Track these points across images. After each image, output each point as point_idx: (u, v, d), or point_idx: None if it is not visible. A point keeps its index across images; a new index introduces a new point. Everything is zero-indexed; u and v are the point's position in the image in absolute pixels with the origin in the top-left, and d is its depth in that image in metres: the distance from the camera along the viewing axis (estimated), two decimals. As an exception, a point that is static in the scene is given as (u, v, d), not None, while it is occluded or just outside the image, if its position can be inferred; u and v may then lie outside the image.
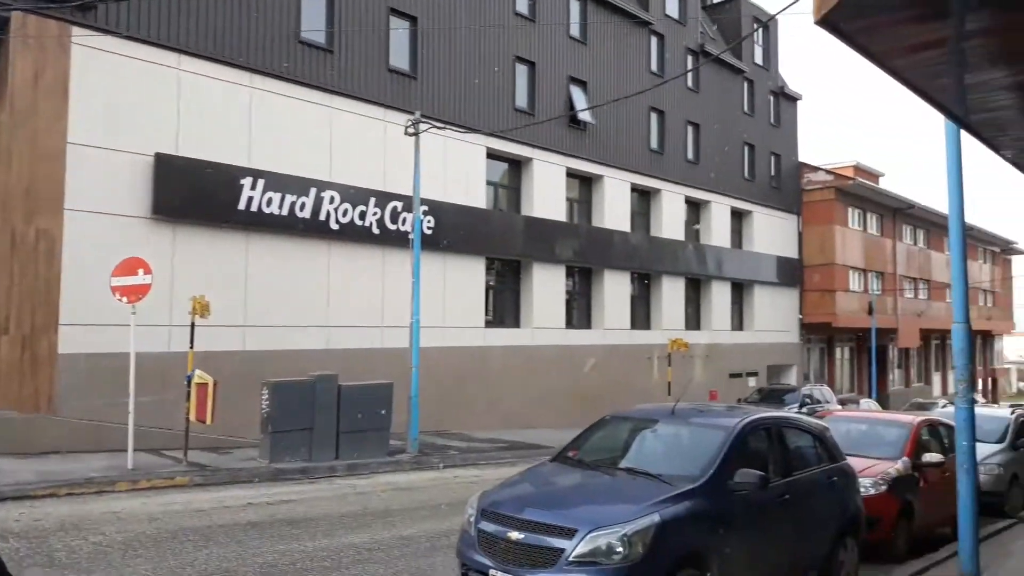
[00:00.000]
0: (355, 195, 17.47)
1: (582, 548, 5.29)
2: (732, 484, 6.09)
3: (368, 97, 18.01)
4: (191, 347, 12.13)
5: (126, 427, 11.24)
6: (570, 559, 5.29)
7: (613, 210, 24.96)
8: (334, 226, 17.07)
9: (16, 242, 13.11)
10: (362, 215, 17.63)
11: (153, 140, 14.22)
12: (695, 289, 29.07)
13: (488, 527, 5.81)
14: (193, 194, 14.62)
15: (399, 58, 19.00)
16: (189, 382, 11.75)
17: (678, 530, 5.54)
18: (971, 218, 46.71)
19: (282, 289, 16.06)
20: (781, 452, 7.00)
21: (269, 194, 15.85)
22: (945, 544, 8.95)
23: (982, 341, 50.69)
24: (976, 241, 46.59)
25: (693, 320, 28.73)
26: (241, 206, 15.40)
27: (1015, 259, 54.84)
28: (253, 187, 15.59)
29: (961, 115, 6.08)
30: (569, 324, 23.69)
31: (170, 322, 13.85)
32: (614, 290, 25.00)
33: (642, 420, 7.43)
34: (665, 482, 6.01)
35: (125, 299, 11.41)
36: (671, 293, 27.35)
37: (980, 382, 49.55)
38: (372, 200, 17.83)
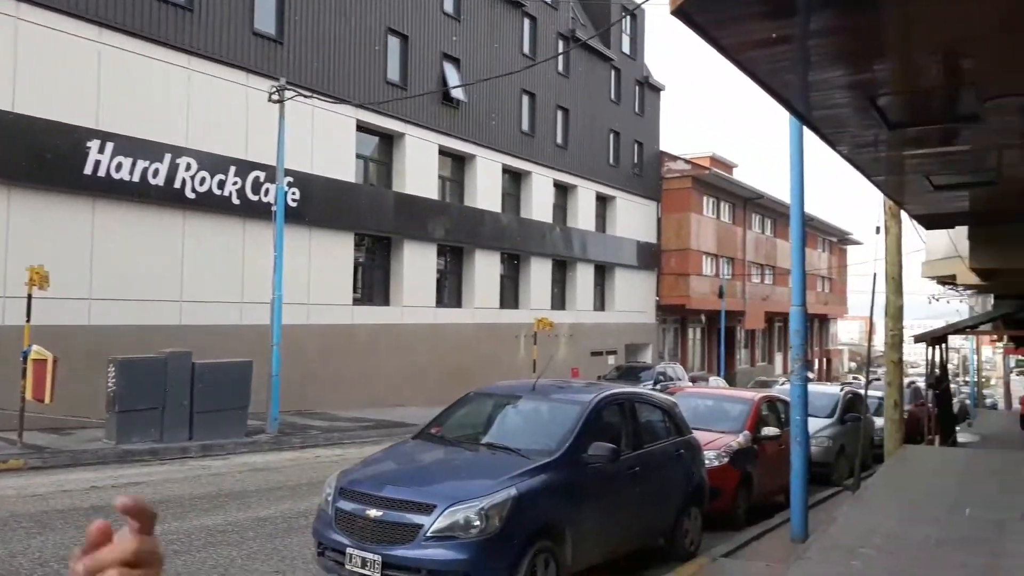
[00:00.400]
0: (214, 163, 16.66)
1: (440, 523, 5.37)
2: (586, 457, 6.35)
3: (230, 60, 17.18)
4: (27, 321, 11.22)
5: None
6: (428, 534, 5.36)
7: (485, 190, 25.12)
8: (190, 195, 16.23)
9: None
10: (221, 184, 16.85)
11: (-16, 94, 12.99)
12: (561, 270, 29.81)
13: (346, 505, 5.78)
14: (32, 155, 13.48)
15: (264, 21, 18.21)
16: (25, 358, 10.88)
17: (534, 503, 5.73)
18: (812, 210, 50.38)
19: (133, 261, 15.13)
20: (633, 426, 7.36)
21: (119, 159, 14.85)
22: (779, 511, 9.70)
23: (819, 324, 54.95)
24: (816, 231, 50.28)
25: (559, 300, 29.48)
26: (87, 170, 14.35)
27: (850, 249, 59.69)
28: (101, 150, 14.56)
29: (804, 111, 6.54)
30: (440, 303, 23.71)
31: (3, 293, 12.77)
32: (484, 270, 25.23)
33: (504, 396, 7.59)
34: (523, 456, 6.19)
35: (-52, 267, 10.39)
36: (539, 274, 27.93)
37: (816, 362, 53.74)
38: (232, 169, 17.07)
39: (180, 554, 6.58)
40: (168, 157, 15.77)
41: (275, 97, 15.46)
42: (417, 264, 22.51)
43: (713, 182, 37.63)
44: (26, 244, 13.17)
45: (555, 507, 5.94)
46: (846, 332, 79.09)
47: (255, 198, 17.48)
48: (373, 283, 22.00)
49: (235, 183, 17.13)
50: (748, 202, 41.58)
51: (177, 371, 12.52)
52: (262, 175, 17.46)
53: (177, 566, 6.24)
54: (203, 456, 11.97)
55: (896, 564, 6.19)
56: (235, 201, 17.15)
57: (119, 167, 14.85)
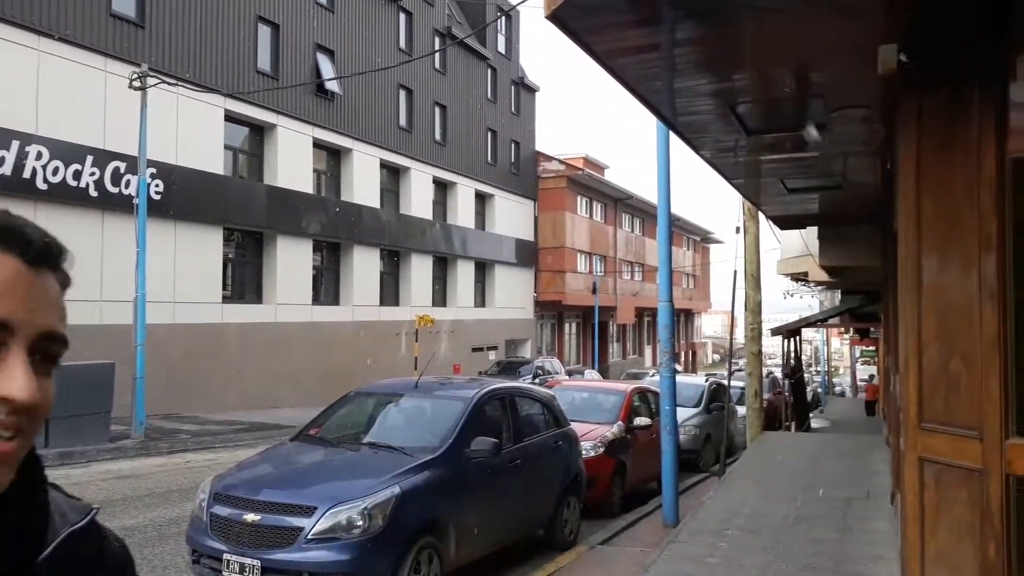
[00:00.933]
0: (68, 152, 15.59)
1: (321, 525, 5.31)
2: (469, 452, 6.43)
3: (85, 43, 16.11)
4: None
5: None
6: (309, 536, 5.28)
7: (363, 185, 24.74)
8: (42, 185, 15.12)
9: None
10: (77, 175, 15.79)
11: None
12: (442, 267, 29.81)
13: (222, 511, 5.60)
14: None
15: (123, 2, 17.18)
16: None
17: (417, 499, 5.75)
18: (678, 210, 52.70)
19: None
20: (514, 420, 7.51)
21: (-43, 145, 13.62)
22: (653, 498, 10.14)
23: (684, 318, 57.59)
24: (681, 230, 52.64)
25: (440, 297, 29.48)
26: (-82, 157, 13.09)
27: (713, 247, 62.91)
28: (-65, 135, 13.31)
29: (670, 116, 6.87)
30: (316, 300, 23.16)
31: None
32: (363, 266, 24.86)
33: (386, 395, 7.57)
34: (406, 454, 6.20)
35: None
36: (419, 270, 27.81)
37: (683, 354, 56.32)
38: (89, 159, 16.03)
39: (37, 571, 6.15)
40: (16, 144, 14.62)
41: (136, 84, 14.63)
42: (291, 260, 21.89)
43: (586, 182, 38.69)
44: None
45: (439, 503, 5.99)
46: (710, 326, 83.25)
47: (115, 190, 16.49)
48: (244, 280, 21.22)
49: (92, 174, 16.09)
50: (619, 202, 43.02)
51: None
52: (122, 166, 16.48)
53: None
54: (61, 464, 11.18)
55: (759, 542, 6.65)
56: (93, 193, 16.12)
57: (-43, 154, 13.63)
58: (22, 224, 0.77)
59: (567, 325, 40.61)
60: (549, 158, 37.69)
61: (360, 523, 5.34)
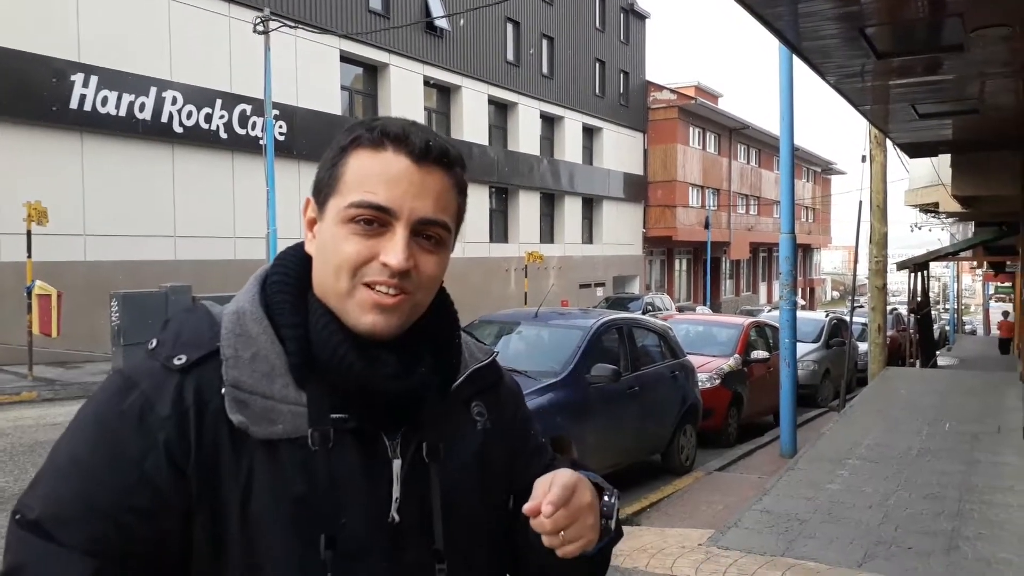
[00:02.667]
0: (200, 96, 16.47)
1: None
2: (589, 377, 6.67)
3: (212, -10, 16.81)
4: (28, 256, 11.29)
5: (-45, 342, 10.45)
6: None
7: (472, 122, 24.96)
8: (178, 129, 16.10)
9: None
10: (208, 118, 16.70)
11: (-35, 26, 12.71)
12: (549, 203, 29.88)
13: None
14: (16, 89, 13.27)
15: (245, -51, 17.73)
16: (29, 293, 10.99)
17: (542, 418, 6.04)
18: (797, 140, 50.35)
19: (125, 196, 15.09)
20: (631, 349, 7.67)
21: (104, 92, 14.65)
22: (769, 431, 10.16)
23: (803, 254, 55.54)
24: (801, 161, 50.35)
25: (547, 234, 29.65)
26: (73, 105, 14.18)
27: (834, 179, 59.97)
28: (86, 84, 14.35)
29: (794, 41, 6.67)
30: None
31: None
32: (474, 203, 25.14)
33: (507, 323, 7.87)
34: (530, 377, 6.49)
35: (-54, 204, 10.39)
36: (527, 207, 28.00)
37: (801, 291, 54.61)
38: (219, 102, 16.89)
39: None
40: (154, 91, 15.58)
41: (260, 28, 15.24)
42: (406, 198, 22.45)
43: (699, 112, 37.47)
44: (16, 180, 13.10)
45: (561, 423, 6.27)
46: (829, 262, 80.00)
47: (242, 132, 17.36)
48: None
49: (222, 116, 16.98)
50: (734, 132, 41.53)
51: (178, 305, 12.67)
52: (248, 108, 17.30)
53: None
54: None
55: (880, 471, 6.62)
56: (223, 135, 17.03)
57: (105, 101, 14.67)
58: (411, 130, 0.97)
59: (677, 261, 40.02)
60: (659, 88, 36.66)
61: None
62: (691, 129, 37.70)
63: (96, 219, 14.61)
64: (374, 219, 0.94)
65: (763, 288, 49.04)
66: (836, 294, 75.31)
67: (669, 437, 7.92)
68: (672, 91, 36.66)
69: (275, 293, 0.99)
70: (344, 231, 0.95)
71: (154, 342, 0.97)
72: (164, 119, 15.80)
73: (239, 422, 0.91)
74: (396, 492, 0.97)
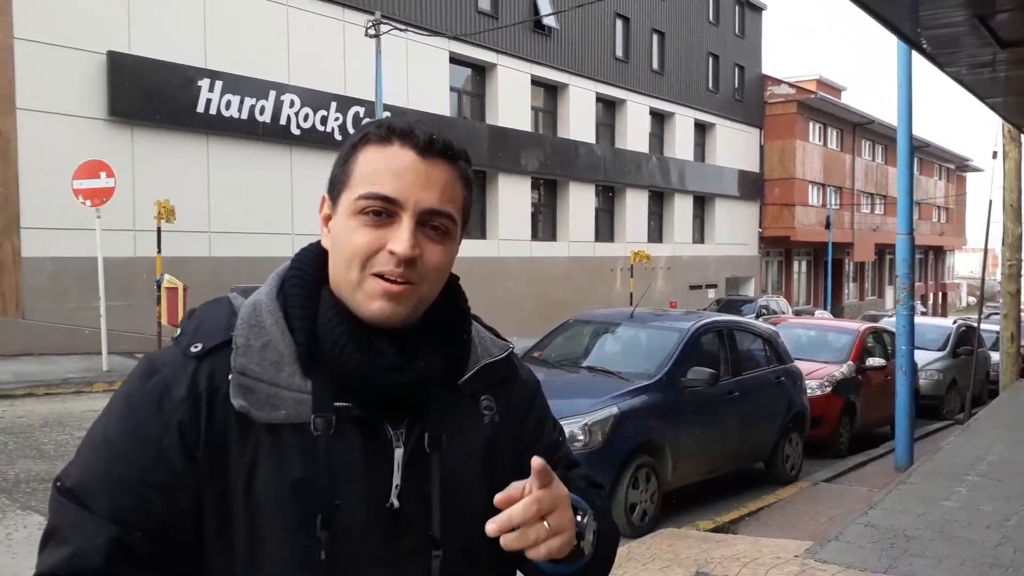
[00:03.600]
0: (316, 99, 17.15)
1: (545, 438, 5.65)
2: (685, 380, 6.49)
3: (327, -4, 17.47)
4: (159, 251, 12.11)
5: (97, 330, 11.32)
6: (534, 447, 5.66)
7: (578, 120, 24.86)
8: (295, 131, 16.83)
9: (-32, 143, 12.77)
10: (323, 120, 17.37)
11: (105, 37, 13.72)
12: (658, 202, 29.37)
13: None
14: (149, 95, 14.24)
15: (359, -45, 18.34)
16: (159, 286, 11.79)
17: (634, 421, 5.94)
18: (929, 135, 47.38)
19: (246, 195, 15.92)
20: (732, 353, 7.42)
21: (228, 96, 15.50)
22: (885, 442, 9.59)
23: (934, 256, 52.31)
24: (932, 158, 47.42)
25: (656, 233, 29.15)
26: (200, 108, 15.08)
27: (969, 176, 56.05)
28: (211, 89, 15.23)
29: (910, 35, 6.25)
30: (535, 236, 23.89)
31: (133, 227, 13.72)
32: (579, 202, 25.17)
33: (603, 323, 7.78)
34: (623, 378, 6.39)
35: (88, 202, 11.27)
36: (635, 206, 27.63)
37: (931, 296, 51.40)
38: (333, 104, 17.54)
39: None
40: (273, 94, 16.34)
41: (371, 31, 15.72)
42: (511, 197, 22.67)
43: (820, 107, 35.85)
44: (149, 180, 14.03)
45: (655, 426, 6.14)
46: (965, 265, 74.67)
47: (356, 133, 17.93)
48: (469, 216, 22.29)
49: (336, 118, 17.62)
50: (857, 127, 39.50)
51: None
52: (361, 110, 17.87)
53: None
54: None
55: (1002, 489, 6.13)
56: (337, 136, 17.66)
57: (228, 104, 15.51)
58: (416, 125, 1.02)
59: (796, 263, 38.44)
60: (777, 82, 35.31)
61: (581, 437, 5.63)
62: (811, 124, 36.14)
63: (220, 217, 15.48)
64: (382, 210, 0.99)
65: (890, 292, 46.40)
66: (972, 300, 70.36)
67: (772, 445, 7.61)
68: (791, 85, 35.25)
69: (290, 287, 1.05)
70: (354, 223, 1.00)
71: (179, 331, 1.05)
72: (283, 121, 16.56)
73: (240, 406, 0.96)
74: (396, 479, 1.00)
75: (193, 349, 1.00)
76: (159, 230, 12.12)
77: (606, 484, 5.64)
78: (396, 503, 1.00)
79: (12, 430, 7.88)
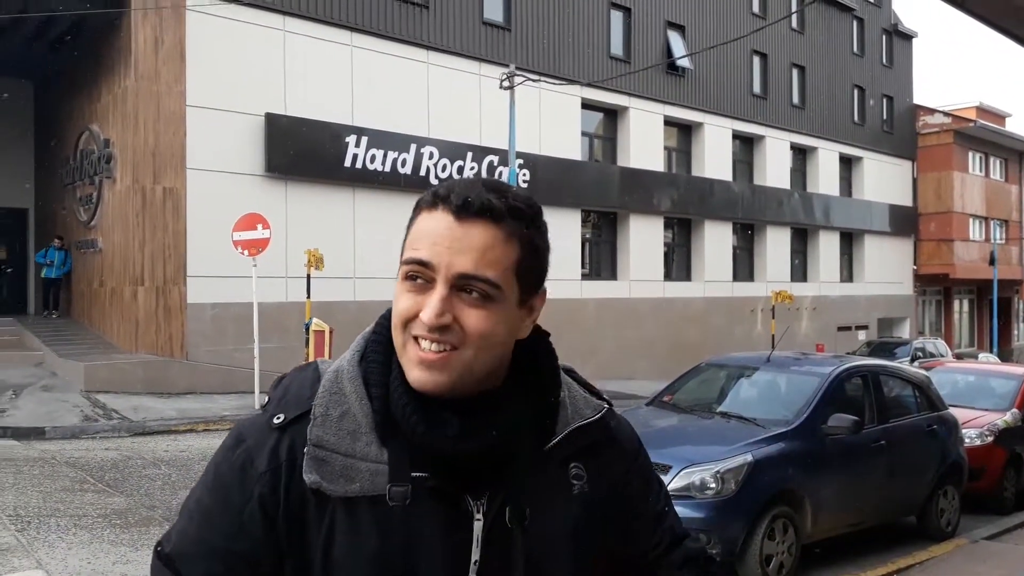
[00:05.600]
0: (453, 150, 17.84)
1: (676, 483, 5.53)
2: (826, 428, 6.18)
3: (463, 51, 18.23)
4: (308, 297, 12.91)
5: (251, 370, 12.17)
6: (663, 493, 5.54)
7: (714, 158, 24.44)
8: (434, 181, 17.50)
9: (146, 201, 14.20)
10: (460, 170, 18.01)
11: (263, 101, 14.93)
12: (801, 239, 28.21)
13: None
14: (302, 152, 15.33)
15: (493, 10, 19.08)
16: (307, 329, 12.55)
17: (770, 469, 5.71)
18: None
19: (388, 243, 16.62)
20: (878, 399, 7.00)
21: (372, 151, 16.42)
22: (1060, 497, 8.69)
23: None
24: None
25: (799, 271, 27.97)
26: (347, 163, 16.05)
27: None
28: (357, 144, 16.20)
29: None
30: (668, 276, 23.53)
31: (286, 274, 14.71)
32: (715, 241, 24.61)
33: (737, 367, 7.55)
34: (758, 425, 6.17)
35: (246, 252, 12.25)
36: (775, 244, 26.67)
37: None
38: (469, 155, 18.17)
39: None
40: (413, 147, 17.16)
41: (505, 83, 16.26)
42: (643, 238, 22.48)
43: (979, 135, 33.46)
44: (300, 230, 15.04)
45: (793, 475, 5.88)
46: None
47: (491, 180, 18.46)
48: (600, 258, 22.34)
49: (472, 168, 18.23)
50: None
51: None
52: (495, 159, 18.42)
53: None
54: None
55: None
56: (473, 184, 18.24)
57: (373, 158, 16.43)
58: (458, 187, 1.00)
59: (957, 302, 35.69)
60: (931, 111, 33.33)
61: (713, 485, 5.47)
62: (970, 154, 33.78)
63: (363, 263, 16.31)
64: (418, 274, 0.98)
65: (1068, 332, 42.04)
66: None
67: (925, 498, 7.07)
68: (946, 114, 33.17)
69: (370, 352, 1.06)
70: (401, 288, 1.01)
71: (266, 399, 1.08)
72: (422, 172, 17.32)
73: (311, 482, 0.97)
74: (475, 555, 0.97)
75: (276, 420, 1.01)
76: (308, 277, 12.94)
77: (739, 534, 5.44)
78: None
79: (175, 462, 8.59)
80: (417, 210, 1.04)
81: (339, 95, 16.10)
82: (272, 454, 1.00)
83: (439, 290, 0.97)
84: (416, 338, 0.98)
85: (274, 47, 15.18)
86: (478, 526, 0.98)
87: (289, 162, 15.24)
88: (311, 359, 12.47)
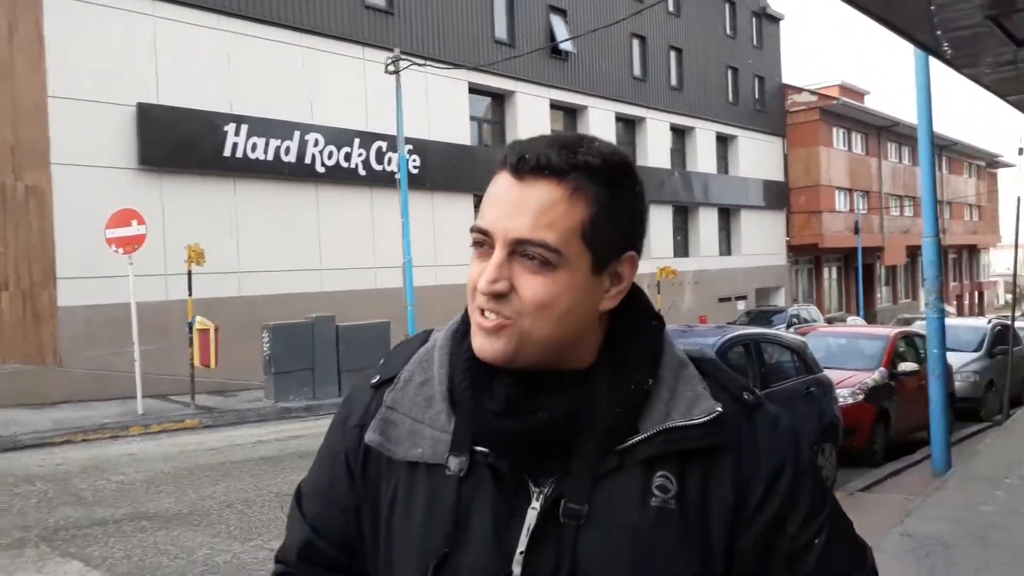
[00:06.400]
0: (339, 136, 17.47)
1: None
2: (713, 396, 6.47)
3: (345, 35, 17.83)
4: (190, 295, 12.38)
5: (132, 375, 11.58)
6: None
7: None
8: (320, 169, 17.14)
9: (7, 199, 13.24)
10: (347, 156, 17.67)
11: (134, 90, 14.16)
12: (682, 216, 29.31)
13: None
14: (178, 143, 14.64)
15: (375, -7, 18.75)
16: (191, 328, 12.05)
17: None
18: (957, 133, 46.70)
19: (273, 234, 16.21)
20: (759, 366, 7.38)
21: (253, 139, 15.86)
22: (921, 448, 9.43)
23: (968, 255, 51.37)
24: (961, 156, 46.76)
25: (681, 247, 29.06)
26: (227, 153, 15.44)
27: (1000, 172, 55.11)
28: (237, 133, 15.60)
29: (929, 41, 6.25)
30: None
31: (165, 271, 14.05)
32: (602, 221, 25.14)
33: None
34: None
35: (121, 250, 11.61)
36: (658, 221, 27.57)
37: (967, 296, 50.40)
38: (356, 141, 17.85)
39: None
40: (297, 135, 16.69)
41: (391, 68, 16.02)
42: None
43: (843, 112, 35.63)
44: (179, 225, 14.37)
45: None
46: (1002, 263, 73.13)
47: (379, 168, 18.23)
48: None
49: (360, 154, 17.92)
50: (883, 130, 39.15)
51: (323, 334, 13.49)
52: (384, 145, 18.16)
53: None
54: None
55: (1044, 493, 6.01)
56: (361, 172, 17.97)
57: (254, 147, 15.88)
58: (518, 145, 0.94)
59: (826, 270, 38.02)
60: (798, 90, 35.20)
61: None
62: (835, 130, 35.91)
63: (248, 257, 15.78)
64: (482, 242, 0.94)
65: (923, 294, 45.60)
66: (1010, 297, 68.74)
67: (805, 457, 7.52)
68: (812, 92, 35.12)
69: (460, 323, 1.04)
70: (473, 257, 0.97)
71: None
72: (307, 160, 16.88)
73: (370, 440, 1.00)
74: (522, 545, 0.91)
75: (372, 381, 1.07)
76: (190, 273, 12.41)
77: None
78: (517, 571, 0.91)
79: (51, 478, 8.08)
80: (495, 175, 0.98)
81: (216, 82, 15.43)
82: (364, 411, 1.05)
83: (495, 256, 0.91)
84: (479, 307, 0.95)
85: (143, 33, 14.38)
86: (531, 515, 0.92)
87: (164, 154, 14.52)
88: (196, 359, 12.02)
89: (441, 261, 19.66)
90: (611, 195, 0.93)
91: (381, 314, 15.39)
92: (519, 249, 0.90)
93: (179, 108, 14.74)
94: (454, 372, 0.98)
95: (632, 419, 0.93)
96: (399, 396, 1.01)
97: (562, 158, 0.90)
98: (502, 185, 0.92)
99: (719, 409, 0.94)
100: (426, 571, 0.93)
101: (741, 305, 30.43)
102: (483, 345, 0.93)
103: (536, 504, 0.92)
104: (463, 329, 1.01)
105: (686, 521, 0.91)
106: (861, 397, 9.17)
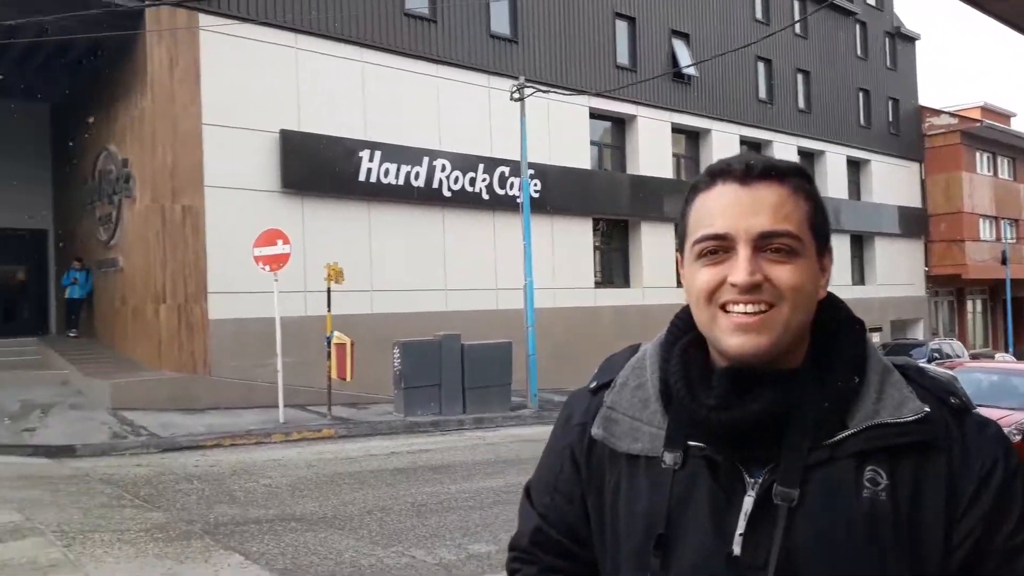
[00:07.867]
0: (464, 162, 17.96)
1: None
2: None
3: (472, 64, 18.38)
4: (328, 310, 13.00)
5: (274, 385, 12.24)
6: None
7: (722, 165, 24.46)
8: (446, 193, 17.65)
9: (166, 220, 14.31)
10: (472, 181, 18.12)
11: (278, 118, 15.10)
12: (811, 243, 28.18)
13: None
14: (317, 167, 15.47)
15: (500, 23, 19.25)
16: (329, 343, 12.63)
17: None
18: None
19: (403, 255, 16.81)
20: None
21: (386, 165, 16.55)
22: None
23: None
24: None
25: (809, 275, 27.91)
26: (361, 177, 16.17)
27: None
28: (371, 159, 16.33)
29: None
30: (679, 283, 23.48)
31: (305, 288, 14.79)
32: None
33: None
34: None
35: (268, 268, 12.35)
36: (785, 248, 26.67)
37: None
38: (480, 166, 18.28)
39: (474, 509, 7.40)
40: (426, 160, 17.28)
41: (515, 95, 16.38)
42: (654, 244, 22.52)
43: (986, 135, 33.47)
44: (318, 244, 15.15)
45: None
46: None
47: (502, 192, 18.59)
48: (613, 266, 22.40)
49: (484, 179, 18.35)
50: (1031, 155, 36.51)
51: (450, 352, 13.84)
52: (506, 170, 18.52)
53: (475, 518, 7.04)
54: (476, 427, 13.10)
55: None
56: (484, 196, 18.38)
57: (386, 172, 16.56)
58: (732, 160, 1.05)
59: (970, 302, 35.58)
60: (936, 112, 33.38)
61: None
62: (978, 154, 33.80)
63: (381, 276, 16.41)
64: (717, 248, 1.01)
65: (1082, 330, 41.85)
66: None
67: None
68: (952, 115, 33.22)
69: (667, 334, 1.17)
70: (696, 266, 1.04)
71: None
72: (435, 185, 17.44)
73: (596, 435, 1.13)
74: (741, 527, 0.98)
75: (591, 385, 1.20)
76: (329, 291, 13.03)
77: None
78: (737, 551, 0.98)
79: (206, 478, 8.65)
80: (693, 194, 1.08)
81: (352, 110, 16.24)
82: (584, 412, 1.17)
83: (743, 252, 0.99)
84: (724, 307, 1.00)
85: (287, 65, 15.35)
86: (748, 501, 0.99)
87: (305, 178, 15.37)
88: (333, 372, 12.56)
89: (560, 284, 19.77)
90: (817, 193, 1.06)
91: (502, 334, 15.61)
92: (763, 244, 0.99)
93: (318, 135, 15.59)
94: (666, 375, 1.09)
95: (841, 415, 0.98)
96: (617, 398, 1.13)
97: (779, 164, 1.04)
98: (728, 193, 1.02)
99: (927, 410, 0.99)
100: (649, 552, 1.02)
101: (876, 337, 28.90)
102: (743, 343, 0.98)
103: (752, 492, 0.99)
104: (670, 339, 1.14)
105: (897, 514, 0.95)
106: (1019, 438, 8.53)
